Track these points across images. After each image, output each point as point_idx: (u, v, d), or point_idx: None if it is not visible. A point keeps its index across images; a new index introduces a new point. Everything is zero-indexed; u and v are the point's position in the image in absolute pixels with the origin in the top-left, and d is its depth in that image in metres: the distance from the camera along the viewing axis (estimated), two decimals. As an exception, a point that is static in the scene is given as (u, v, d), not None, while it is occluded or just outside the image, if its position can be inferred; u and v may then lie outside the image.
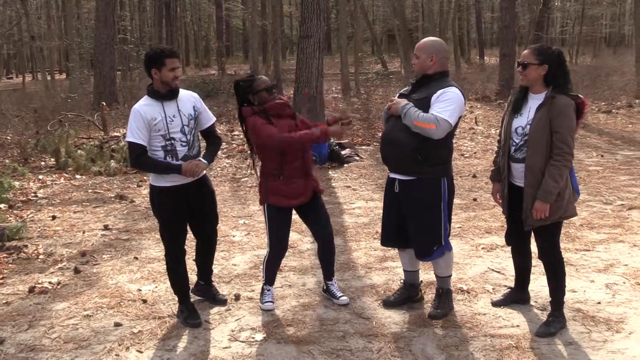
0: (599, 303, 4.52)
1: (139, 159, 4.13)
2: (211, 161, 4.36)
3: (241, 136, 12.73)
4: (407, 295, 4.62)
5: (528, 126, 3.95)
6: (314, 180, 4.53)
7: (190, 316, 4.37)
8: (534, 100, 3.99)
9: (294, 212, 4.57)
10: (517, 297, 4.53)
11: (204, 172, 4.39)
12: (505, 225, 4.45)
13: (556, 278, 4.14)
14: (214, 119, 4.51)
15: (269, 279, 4.64)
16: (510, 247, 4.50)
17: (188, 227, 4.45)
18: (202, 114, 4.36)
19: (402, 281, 4.74)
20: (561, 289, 4.15)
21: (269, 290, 4.64)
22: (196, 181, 4.30)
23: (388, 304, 4.59)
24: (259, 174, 4.58)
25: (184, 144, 4.20)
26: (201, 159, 4.25)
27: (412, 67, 4.37)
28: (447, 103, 4.01)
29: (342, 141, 10.54)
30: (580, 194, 7.60)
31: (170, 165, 4.15)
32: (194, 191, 4.32)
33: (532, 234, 4.19)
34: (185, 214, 4.35)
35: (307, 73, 10.38)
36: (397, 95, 4.37)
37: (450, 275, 4.48)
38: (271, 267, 4.62)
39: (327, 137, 4.32)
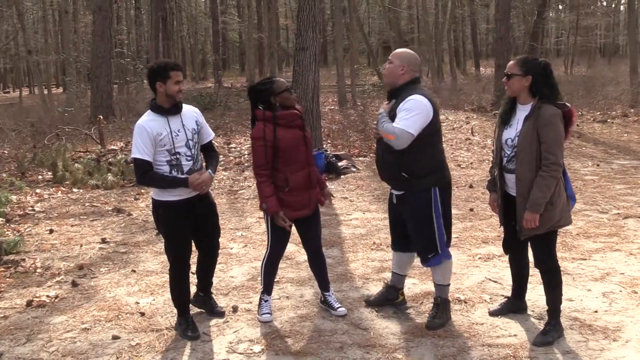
0: (596, 312, 4.53)
1: (145, 175, 4.13)
2: (214, 172, 4.39)
3: (238, 149, 12.77)
4: (386, 297, 4.73)
5: (517, 138, 3.99)
6: (318, 191, 4.55)
7: (189, 329, 4.37)
8: (522, 112, 4.04)
9: None
10: (515, 306, 4.54)
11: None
12: (503, 235, 4.48)
13: (553, 287, 4.16)
14: (213, 134, 4.56)
15: (267, 286, 4.64)
16: (507, 255, 4.53)
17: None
18: (203, 129, 4.40)
19: (385, 281, 4.87)
20: (558, 297, 4.16)
21: (266, 301, 4.64)
22: (200, 194, 4.31)
23: (368, 303, 4.77)
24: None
25: (189, 158, 4.23)
26: (205, 170, 4.29)
27: (382, 72, 4.49)
28: (406, 112, 4.07)
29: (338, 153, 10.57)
30: (577, 203, 7.65)
31: (176, 179, 4.15)
32: (198, 204, 4.33)
33: (529, 243, 4.22)
34: (190, 228, 4.35)
35: (304, 85, 10.41)
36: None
37: (449, 285, 4.50)
38: (270, 268, 4.61)
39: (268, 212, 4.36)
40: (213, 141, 4.56)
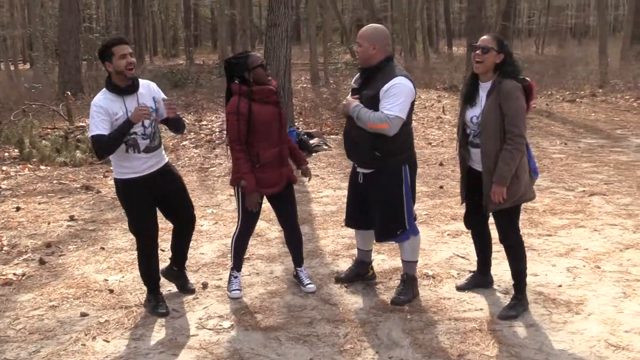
0: (560, 286, 4.63)
1: (102, 146, 4.02)
2: (175, 120, 4.35)
3: (209, 126, 12.68)
4: (357, 272, 4.78)
5: (481, 115, 4.03)
6: (289, 168, 4.54)
7: (158, 306, 4.36)
8: (484, 89, 4.07)
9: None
10: (480, 281, 4.62)
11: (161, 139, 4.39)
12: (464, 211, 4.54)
13: (517, 261, 4.24)
14: None
15: (236, 263, 4.66)
16: (468, 229, 4.59)
17: (160, 217, 4.43)
18: (161, 104, 4.29)
19: (353, 258, 4.92)
20: (522, 272, 4.24)
21: (236, 277, 4.66)
22: (161, 169, 4.31)
23: (339, 279, 4.79)
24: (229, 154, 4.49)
25: (145, 137, 4.18)
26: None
27: (356, 55, 4.44)
28: (395, 98, 4.06)
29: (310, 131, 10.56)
30: (544, 181, 7.78)
31: (121, 127, 4.00)
32: (159, 179, 4.30)
33: (492, 217, 4.27)
34: (153, 204, 4.32)
35: (275, 62, 10.34)
36: (351, 88, 4.43)
37: (416, 261, 4.55)
38: (239, 244, 4.63)
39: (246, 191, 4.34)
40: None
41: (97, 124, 4.00)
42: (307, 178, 4.79)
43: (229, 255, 5.43)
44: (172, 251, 4.75)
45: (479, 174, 4.14)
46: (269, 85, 4.37)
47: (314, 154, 10.12)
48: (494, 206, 4.07)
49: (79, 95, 16.59)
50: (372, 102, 4.13)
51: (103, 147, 4.04)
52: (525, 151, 4.07)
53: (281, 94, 10.10)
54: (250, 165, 4.32)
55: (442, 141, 11.17)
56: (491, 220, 4.33)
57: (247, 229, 4.62)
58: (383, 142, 4.15)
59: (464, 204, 4.51)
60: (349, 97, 4.36)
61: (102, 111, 4.01)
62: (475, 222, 4.45)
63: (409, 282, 4.49)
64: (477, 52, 4.04)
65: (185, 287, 4.73)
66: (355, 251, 5.43)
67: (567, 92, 16.89)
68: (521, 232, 5.66)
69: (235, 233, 4.63)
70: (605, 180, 7.84)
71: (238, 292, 4.61)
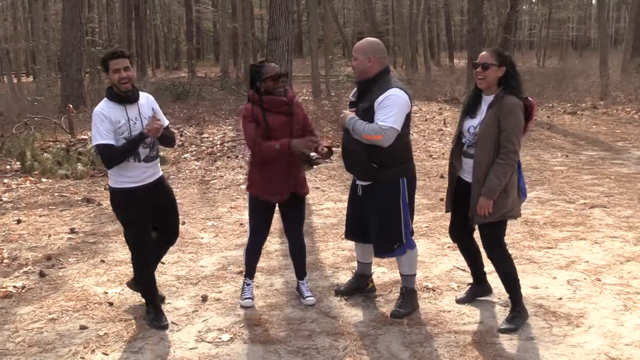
0: (560, 299, 4.62)
1: (112, 155, 4.11)
2: (168, 133, 4.46)
3: (210, 139, 12.71)
4: (357, 285, 4.77)
5: (479, 126, 4.04)
6: (297, 181, 4.53)
7: (157, 318, 4.35)
8: (486, 102, 4.09)
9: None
10: (478, 291, 4.62)
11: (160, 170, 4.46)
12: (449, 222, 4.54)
13: (506, 275, 4.24)
14: (167, 121, 4.49)
15: (249, 271, 4.73)
16: (453, 241, 4.60)
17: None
18: (158, 115, 4.35)
19: (353, 271, 4.92)
20: (514, 285, 4.24)
21: (248, 285, 4.72)
22: (156, 180, 4.37)
23: (338, 292, 4.78)
24: (248, 160, 4.58)
25: (145, 145, 4.23)
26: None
27: (353, 69, 4.45)
28: (389, 109, 4.07)
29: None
30: (545, 193, 7.78)
31: (132, 138, 4.12)
32: (155, 190, 4.35)
33: (478, 231, 4.28)
34: (149, 215, 4.35)
35: (277, 75, 10.38)
36: (349, 102, 4.45)
37: (415, 275, 4.54)
38: (250, 254, 4.70)
39: (288, 149, 4.31)
40: (169, 128, 4.57)
41: (102, 133, 4.06)
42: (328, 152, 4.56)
43: (229, 268, 5.46)
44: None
45: (467, 185, 4.16)
46: (279, 96, 4.39)
47: (314, 167, 10.10)
48: (478, 219, 4.09)
49: (81, 108, 16.67)
50: (368, 114, 4.14)
51: (114, 157, 4.11)
52: (516, 168, 4.08)
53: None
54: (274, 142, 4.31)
55: (443, 153, 11.17)
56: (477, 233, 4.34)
57: (256, 238, 4.66)
58: (378, 153, 4.16)
59: (449, 214, 4.51)
60: (346, 110, 4.38)
61: (106, 120, 4.07)
62: (460, 235, 4.46)
63: (408, 295, 4.48)
64: (478, 69, 4.06)
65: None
66: (355, 264, 5.43)
67: (568, 104, 16.92)
68: (522, 245, 5.68)
69: (246, 245, 4.72)
70: (606, 193, 7.84)
71: (249, 300, 4.65)
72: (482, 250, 4.36)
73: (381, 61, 4.24)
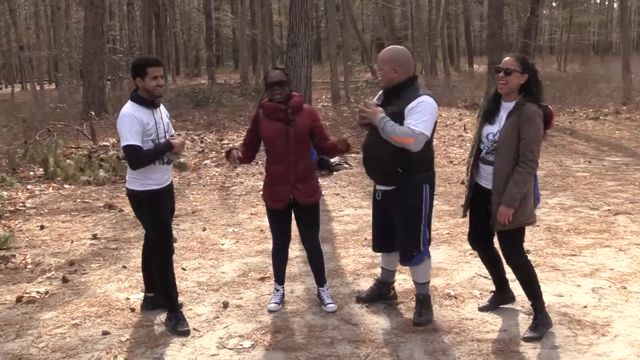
0: (585, 307, 4.55)
1: (139, 158, 4.20)
2: None
3: (230, 145, 12.76)
4: (378, 292, 4.73)
5: (499, 133, 4.02)
6: (296, 189, 4.49)
7: (178, 324, 4.37)
8: (506, 109, 4.05)
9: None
10: (501, 298, 4.58)
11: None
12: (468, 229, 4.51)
13: (526, 281, 4.21)
14: (174, 131, 4.71)
15: (276, 276, 4.81)
16: (474, 250, 4.57)
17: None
18: (170, 124, 4.59)
19: (376, 277, 4.87)
20: (535, 291, 4.19)
21: (277, 290, 4.78)
22: (170, 184, 4.54)
23: (360, 299, 4.75)
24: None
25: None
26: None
27: (379, 78, 4.44)
28: (420, 115, 4.05)
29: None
30: (568, 199, 7.69)
31: (160, 146, 4.28)
32: (170, 194, 4.55)
33: (496, 238, 4.25)
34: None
35: (296, 81, 10.42)
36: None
37: (429, 282, 4.51)
38: (274, 260, 4.80)
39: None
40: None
41: (132, 134, 4.15)
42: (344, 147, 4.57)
43: (250, 274, 5.46)
44: (147, 275, 4.73)
45: (485, 191, 4.14)
46: (276, 103, 4.44)
47: (334, 173, 10.12)
48: (498, 226, 4.06)
49: (102, 115, 16.83)
50: (396, 119, 4.11)
51: (141, 159, 4.22)
52: (534, 174, 4.05)
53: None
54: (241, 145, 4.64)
55: (463, 159, 11.10)
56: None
57: (278, 244, 4.74)
58: (405, 158, 4.12)
59: (466, 220, 4.49)
60: (367, 101, 4.35)
61: (136, 121, 4.17)
62: (480, 242, 4.43)
63: (426, 301, 4.44)
64: (500, 74, 4.03)
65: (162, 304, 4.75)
66: (377, 270, 5.40)
67: (591, 110, 16.74)
68: (545, 252, 5.61)
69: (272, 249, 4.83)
70: (631, 199, 7.73)
71: (274, 305, 4.70)
72: (502, 257, 4.32)
73: (407, 70, 4.22)
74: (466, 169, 4.41)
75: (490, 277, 4.63)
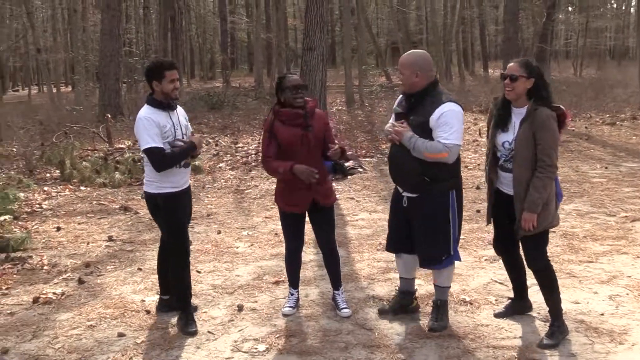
0: (602, 314, 4.51)
1: (164, 160, 4.23)
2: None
3: (245, 148, 12.80)
4: (401, 304, 4.64)
5: (514, 141, 3.99)
6: (317, 192, 4.52)
7: (188, 324, 4.41)
8: (517, 115, 4.03)
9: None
10: (518, 307, 4.54)
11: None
12: (493, 235, 4.48)
13: (547, 286, 4.17)
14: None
15: (290, 280, 4.81)
16: (499, 256, 4.54)
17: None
18: (188, 126, 4.59)
19: (396, 288, 4.80)
20: (555, 297, 4.16)
21: (292, 294, 4.78)
22: (188, 187, 4.57)
23: (383, 312, 4.64)
24: None
25: None
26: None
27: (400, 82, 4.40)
28: (449, 126, 4.01)
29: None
30: (584, 205, 7.63)
31: (185, 148, 4.32)
32: (187, 197, 4.58)
33: (520, 243, 4.22)
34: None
35: (311, 85, 10.43)
36: (393, 112, 4.37)
37: (449, 287, 4.48)
38: (287, 264, 4.80)
39: (291, 173, 4.36)
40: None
41: (152, 136, 4.18)
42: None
43: (265, 278, 5.47)
44: (162, 277, 4.77)
45: (507, 197, 4.11)
46: (294, 109, 4.41)
47: (349, 177, 10.11)
48: (523, 232, 4.04)
49: (118, 117, 16.96)
50: (422, 128, 4.07)
51: (166, 161, 4.25)
52: (555, 178, 4.03)
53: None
54: (278, 162, 4.42)
55: (478, 164, 11.05)
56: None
57: (291, 248, 4.72)
58: (432, 168, 4.09)
59: (491, 227, 4.46)
60: (392, 121, 4.32)
61: (154, 123, 4.20)
62: (505, 248, 4.40)
63: (443, 307, 4.42)
64: (506, 81, 4.01)
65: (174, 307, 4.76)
66: (391, 275, 5.39)
67: (607, 115, 16.60)
68: (561, 258, 5.57)
69: (285, 253, 4.81)
70: (648, 206, 7.65)
71: (289, 309, 4.70)
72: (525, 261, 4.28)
73: (429, 74, 4.17)
74: (485, 177, 4.38)
75: (507, 283, 4.59)
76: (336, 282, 4.78)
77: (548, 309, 4.21)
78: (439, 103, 4.05)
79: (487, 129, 4.36)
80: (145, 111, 4.27)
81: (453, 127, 4.01)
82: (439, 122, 4.02)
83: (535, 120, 3.90)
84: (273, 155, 4.43)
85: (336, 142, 4.63)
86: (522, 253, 4.28)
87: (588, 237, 6.42)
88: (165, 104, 4.31)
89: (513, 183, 4.03)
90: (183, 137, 4.39)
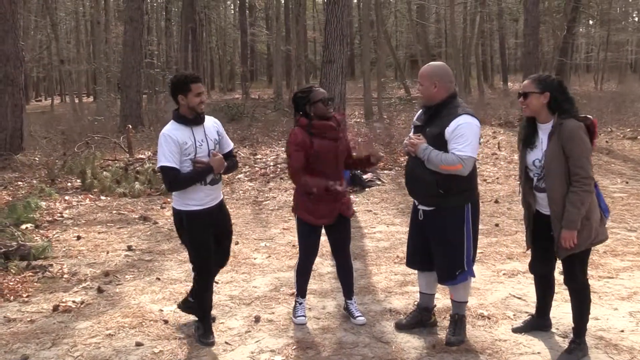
0: (622, 331, 4.46)
1: (175, 181, 4.18)
2: (232, 164, 4.52)
3: (264, 160, 12.85)
4: (419, 319, 4.61)
5: (544, 158, 3.93)
6: (342, 204, 4.56)
7: (205, 335, 4.42)
8: (544, 131, 3.98)
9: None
10: (538, 324, 4.49)
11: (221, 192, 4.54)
12: (529, 253, 4.42)
13: (581, 304, 4.09)
14: (232, 144, 4.64)
15: (300, 290, 4.78)
16: (533, 274, 4.47)
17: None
18: (223, 139, 4.48)
19: (415, 303, 4.78)
20: (585, 316, 4.09)
21: (300, 303, 4.77)
22: (219, 203, 4.44)
23: (400, 326, 4.61)
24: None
25: None
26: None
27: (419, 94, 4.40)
28: (463, 138, 4.00)
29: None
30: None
31: (199, 170, 4.21)
32: (218, 214, 4.45)
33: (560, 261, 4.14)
34: (212, 236, 4.42)
35: (330, 98, 10.44)
36: (412, 125, 4.40)
37: (467, 302, 4.46)
38: (300, 274, 4.76)
39: (325, 191, 4.39)
40: (233, 151, 4.67)
41: (167, 155, 4.13)
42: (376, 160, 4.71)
43: (282, 289, 5.47)
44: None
45: (546, 218, 4.01)
46: (328, 121, 4.43)
47: (367, 189, 10.12)
48: (564, 252, 3.93)
49: (139, 128, 17.13)
50: (437, 140, 4.08)
51: (177, 182, 4.19)
52: (593, 191, 3.92)
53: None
54: (305, 176, 4.41)
55: (497, 178, 11.00)
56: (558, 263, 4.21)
57: (306, 259, 4.72)
58: (448, 180, 4.08)
59: (529, 251, 4.36)
60: (411, 134, 4.33)
61: (172, 141, 4.14)
62: (542, 270, 4.32)
63: (460, 321, 4.39)
64: (520, 99, 4.01)
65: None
66: (409, 288, 5.38)
67: (628, 129, 16.43)
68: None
69: (296, 265, 4.78)
70: (670, 221, 7.56)
71: (303, 318, 4.69)
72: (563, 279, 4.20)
73: (448, 86, 4.17)
74: (521, 201, 4.30)
75: (526, 299, 4.54)
76: (349, 292, 4.81)
77: (573, 325, 4.14)
78: (455, 115, 4.05)
79: (519, 149, 4.29)
80: (168, 128, 4.23)
81: (468, 139, 4.00)
82: (454, 134, 4.02)
83: (562, 133, 3.83)
84: (302, 167, 4.42)
85: (370, 150, 4.65)
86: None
87: (608, 252, 6.35)
88: (190, 120, 4.24)
89: (548, 201, 3.94)
90: (210, 153, 4.28)
